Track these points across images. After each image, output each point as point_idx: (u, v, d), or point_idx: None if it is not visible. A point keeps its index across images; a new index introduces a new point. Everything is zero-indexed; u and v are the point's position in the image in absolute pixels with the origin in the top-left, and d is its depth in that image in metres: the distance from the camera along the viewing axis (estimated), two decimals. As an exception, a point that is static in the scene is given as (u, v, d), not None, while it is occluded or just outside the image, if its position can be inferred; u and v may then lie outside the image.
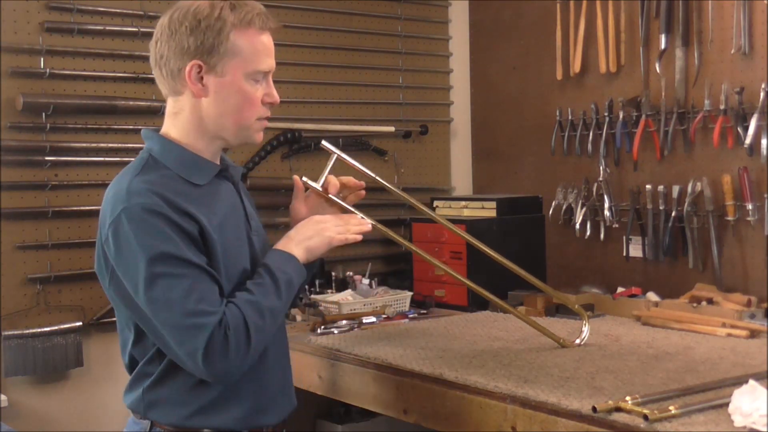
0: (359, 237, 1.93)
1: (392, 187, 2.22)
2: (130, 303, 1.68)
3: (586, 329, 2.42)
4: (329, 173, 2.02)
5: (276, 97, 1.80)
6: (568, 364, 2.19)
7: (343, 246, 1.95)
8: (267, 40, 1.77)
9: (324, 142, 2.10)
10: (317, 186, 1.99)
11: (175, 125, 1.79)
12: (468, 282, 2.37)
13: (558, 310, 2.86)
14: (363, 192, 2.07)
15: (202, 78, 1.73)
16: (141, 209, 1.63)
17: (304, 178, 2.00)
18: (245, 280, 1.76)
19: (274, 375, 1.85)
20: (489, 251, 2.32)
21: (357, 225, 1.94)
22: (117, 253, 1.66)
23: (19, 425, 2.78)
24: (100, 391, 2.96)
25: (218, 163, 1.84)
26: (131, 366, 1.79)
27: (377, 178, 2.17)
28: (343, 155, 2.09)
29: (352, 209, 2.06)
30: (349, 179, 2.05)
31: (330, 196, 2.01)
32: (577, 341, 2.39)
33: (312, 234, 1.87)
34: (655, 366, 2.16)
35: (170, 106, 1.80)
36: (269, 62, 1.78)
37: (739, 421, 1.66)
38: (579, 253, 3.36)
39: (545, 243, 3.30)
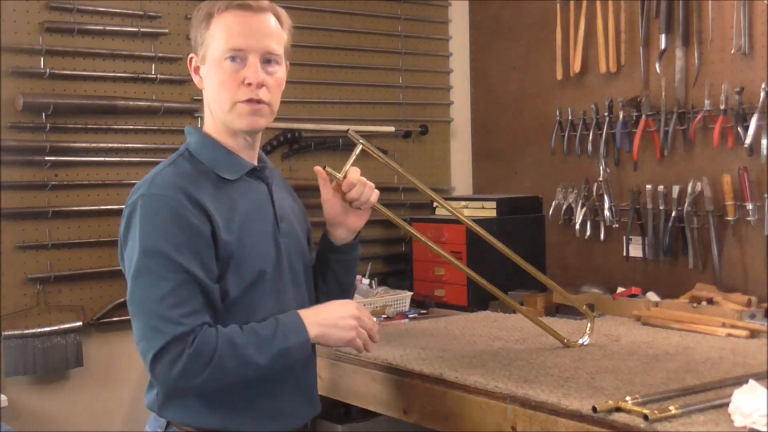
0: (368, 350, 1.89)
1: (419, 184, 2.26)
2: None
3: (589, 330, 2.42)
4: (353, 164, 1.96)
5: (252, 76, 1.73)
6: (568, 364, 2.19)
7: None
8: (245, 19, 1.75)
9: (350, 131, 2.05)
10: (339, 176, 1.93)
11: (206, 121, 1.86)
12: (475, 275, 2.35)
13: (558, 309, 2.86)
14: (377, 192, 1.99)
15: (198, 70, 1.82)
16: (155, 200, 1.67)
17: (327, 168, 1.93)
18: (262, 282, 1.76)
19: (291, 380, 1.83)
20: (501, 247, 2.31)
21: (374, 338, 1.88)
22: (125, 234, 1.72)
23: (19, 425, 2.78)
24: (100, 391, 2.96)
25: (255, 162, 1.85)
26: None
27: (399, 169, 2.21)
28: (369, 146, 2.05)
29: (381, 208, 2.03)
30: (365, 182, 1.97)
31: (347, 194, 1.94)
32: (581, 341, 2.40)
33: (337, 322, 1.80)
34: (655, 366, 2.16)
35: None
36: (240, 41, 1.73)
37: (739, 421, 1.66)
38: (579, 253, 3.36)
39: (545, 243, 3.30)
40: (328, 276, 2.00)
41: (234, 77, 1.74)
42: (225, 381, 1.68)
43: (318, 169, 1.95)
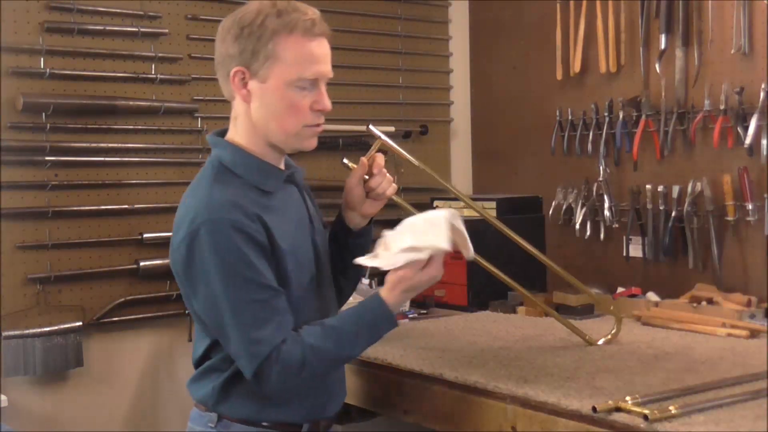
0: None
1: (447, 184, 2.37)
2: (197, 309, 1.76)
3: (614, 333, 2.44)
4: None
5: (325, 104, 1.78)
6: (568, 364, 2.19)
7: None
8: (315, 46, 1.77)
9: (371, 126, 2.11)
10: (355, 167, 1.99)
11: (237, 131, 1.81)
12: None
13: (558, 309, 2.85)
14: (395, 186, 2.06)
15: (246, 83, 1.74)
16: (219, 224, 1.66)
17: (345, 160, 2.03)
18: (310, 285, 1.81)
19: (335, 372, 1.91)
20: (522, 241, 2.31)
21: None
22: (188, 264, 1.70)
23: (19, 425, 2.78)
24: (100, 391, 2.96)
25: (283, 167, 1.85)
26: (203, 357, 1.82)
27: (416, 162, 2.27)
28: (389, 141, 2.10)
29: (397, 199, 2.11)
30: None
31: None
32: (601, 341, 2.41)
33: (413, 285, 1.81)
34: (655, 366, 2.16)
35: (232, 110, 1.82)
36: (315, 69, 1.76)
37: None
38: (579, 253, 3.36)
39: (545, 243, 3.30)
40: (345, 256, 2.01)
41: (303, 102, 1.76)
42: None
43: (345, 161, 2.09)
